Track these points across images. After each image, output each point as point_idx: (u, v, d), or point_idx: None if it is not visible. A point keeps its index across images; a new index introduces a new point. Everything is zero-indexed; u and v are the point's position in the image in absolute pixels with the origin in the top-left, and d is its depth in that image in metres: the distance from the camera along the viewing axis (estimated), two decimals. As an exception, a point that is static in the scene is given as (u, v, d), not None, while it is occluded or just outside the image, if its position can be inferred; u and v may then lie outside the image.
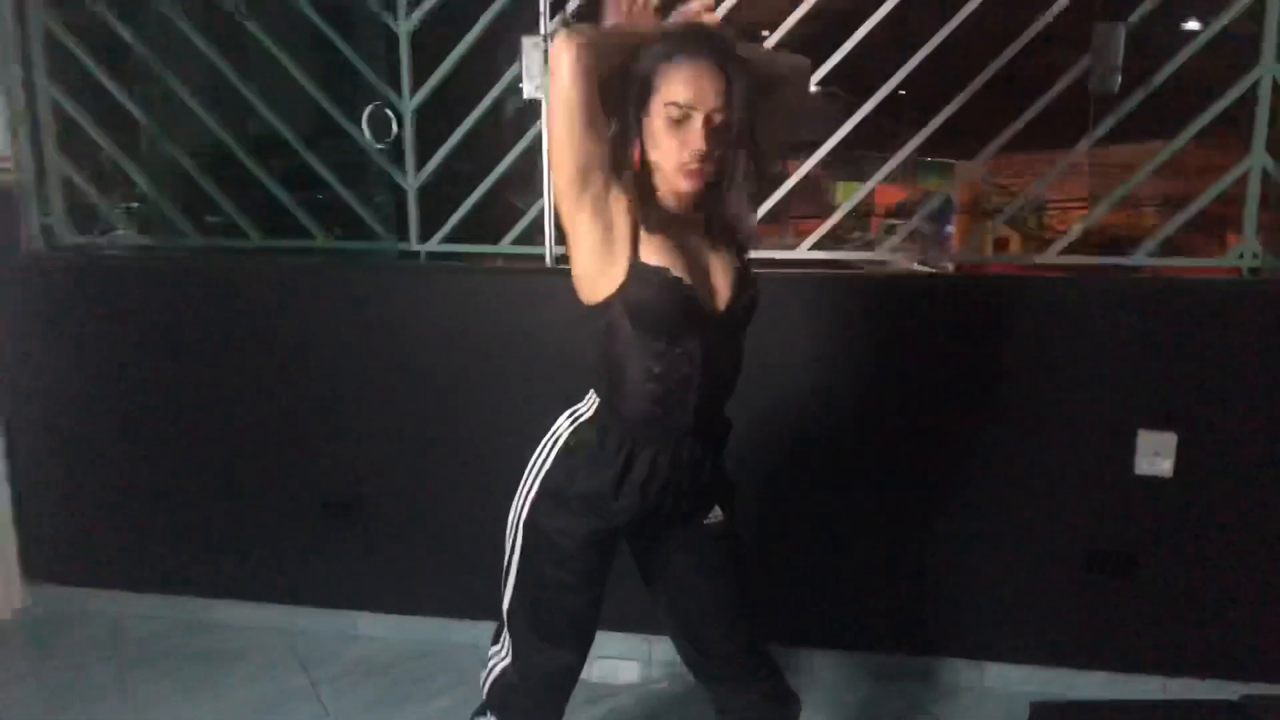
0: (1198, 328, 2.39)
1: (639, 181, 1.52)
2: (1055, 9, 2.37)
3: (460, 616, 2.83)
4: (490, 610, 2.74)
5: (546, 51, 2.53)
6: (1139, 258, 2.51)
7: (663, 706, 2.58)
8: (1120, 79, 2.36)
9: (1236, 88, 2.37)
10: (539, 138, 2.61)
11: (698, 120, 1.46)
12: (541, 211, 2.67)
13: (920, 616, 2.63)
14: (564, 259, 2.64)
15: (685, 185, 1.50)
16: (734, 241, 1.61)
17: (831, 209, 2.68)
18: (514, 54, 2.58)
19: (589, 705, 2.52)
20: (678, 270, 1.50)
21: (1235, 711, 1.66)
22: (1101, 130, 2.45)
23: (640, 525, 1.68)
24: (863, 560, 2.61)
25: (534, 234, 2.72)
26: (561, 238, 2.60)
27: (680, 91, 1.45)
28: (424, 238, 2.78)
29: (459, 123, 2.69)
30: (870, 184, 2.63)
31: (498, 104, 2.69)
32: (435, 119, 2.72)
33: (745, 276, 1.60)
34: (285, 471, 2.85)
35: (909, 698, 2.57)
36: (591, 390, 1.64)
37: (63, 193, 2.93)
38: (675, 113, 1.46)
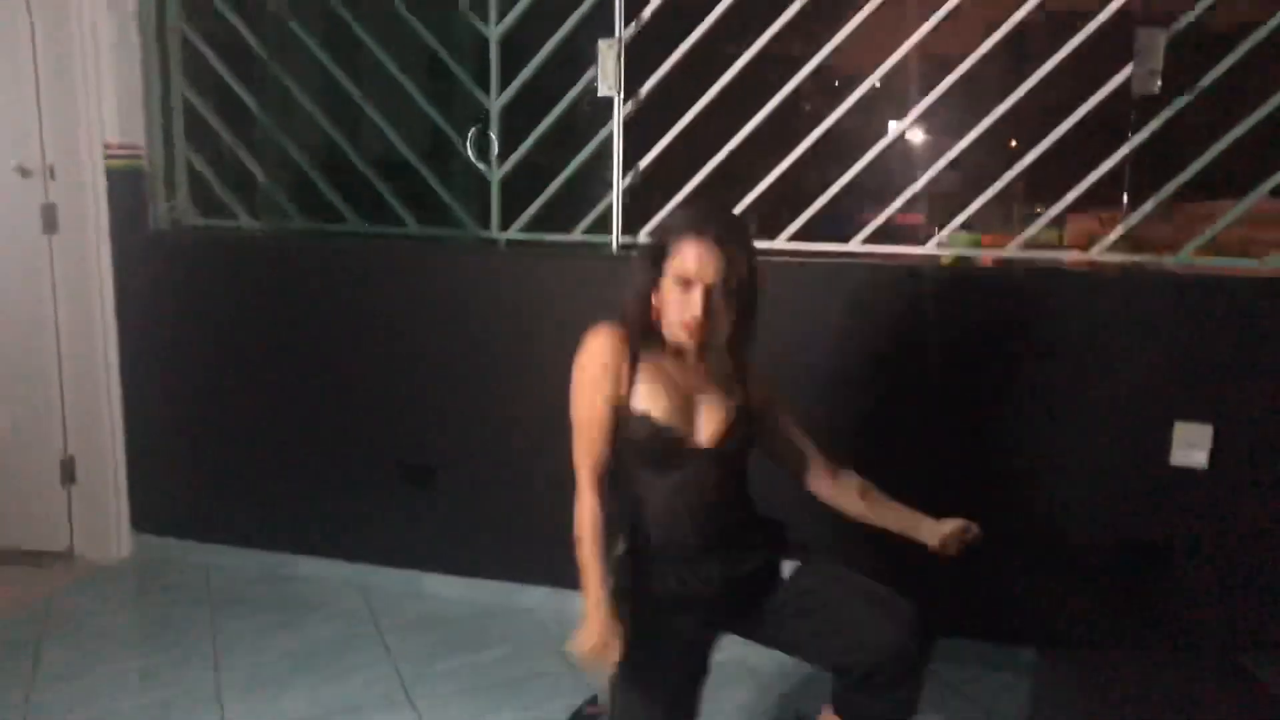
0: (1238, 324, 2.45)
1: (646, 325, 1.82)
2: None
3: (520, 580, 3.02)
4: (547, 576, 2.94)
5: (619, 54, 2.76)
6: (1184, 257, 2.58)
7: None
8: (1160, 82, 2.46)
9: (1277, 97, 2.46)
10: (611, 136, 2.84)
11: (699, 290, 1.73)
12: (610, 204, 2.88)
13: (968, 600, 2.70)
14: (630, 247, 2.87)
15: (683, 337, 1.78)
16: (737, 387, 1.87)
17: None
18: (590, 56, 2.81)
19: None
20: (659, 413, 1.78)
21: (1234, 666, 1.73)
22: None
23: (724, 622, 1.92)
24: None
25: (603, 223, 2.92)
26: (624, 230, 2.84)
27: (688, 265, 1.73)
28: (503, 226, 3.02)
29: (536, 119, 2.93)
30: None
31: (575, 102, 2.92)
32: (512, 114, 2.97)
33: (742, 416, 1.85)
34: (366, 439, 3.09)
35: (946, 677, 2.64)
36: None
37: (188, 178, 3.26)
38: (681, 280, 1.74)
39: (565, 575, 2.92)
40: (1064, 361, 2.56)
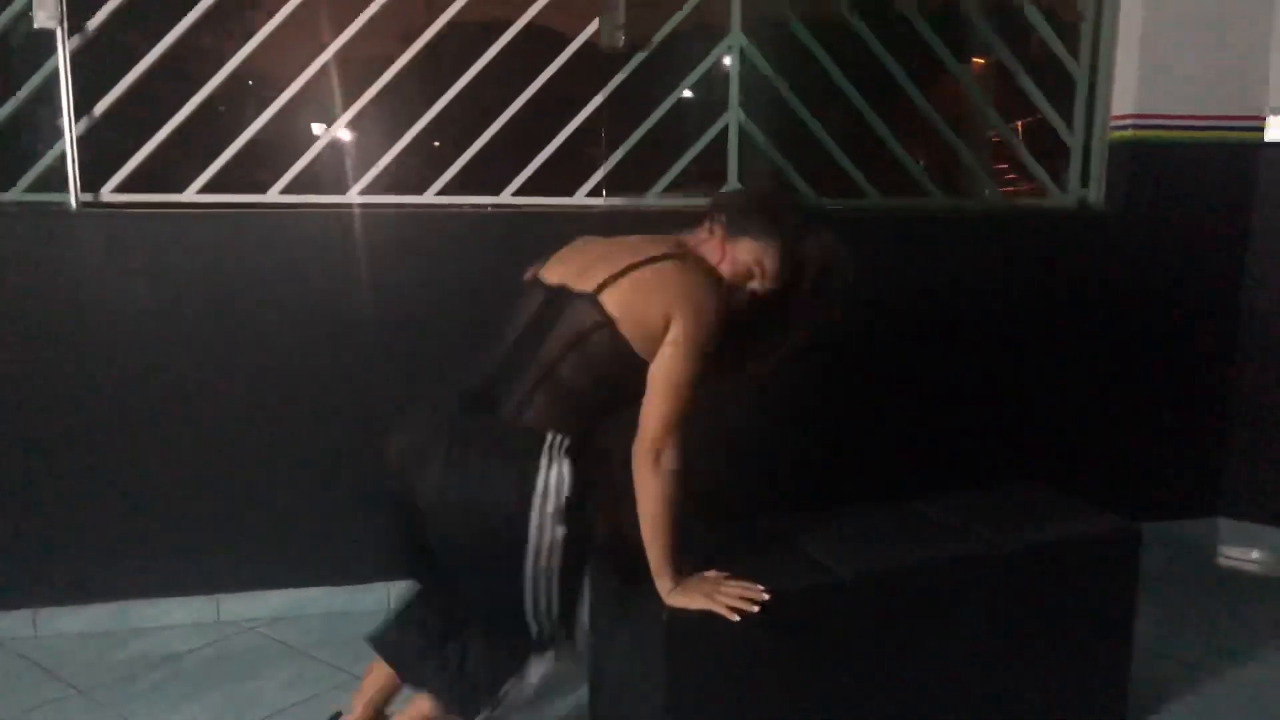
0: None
1: None
2: None
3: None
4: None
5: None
6: (651, 198, 2.87)
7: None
8: (623, 36, 2.72)
9: (712, 54, 2.85)
10: (55, 72, 2.44)
11: None
12: (64, 154, 2.48)
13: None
14: (93, 204, 2.50)
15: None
16: None
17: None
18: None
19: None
20: None
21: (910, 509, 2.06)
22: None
23: None
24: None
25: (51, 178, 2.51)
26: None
27: None
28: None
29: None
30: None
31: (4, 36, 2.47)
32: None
33: None
34: None
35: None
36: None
37: None
38: None
39: (52, 590, 2.50)
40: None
